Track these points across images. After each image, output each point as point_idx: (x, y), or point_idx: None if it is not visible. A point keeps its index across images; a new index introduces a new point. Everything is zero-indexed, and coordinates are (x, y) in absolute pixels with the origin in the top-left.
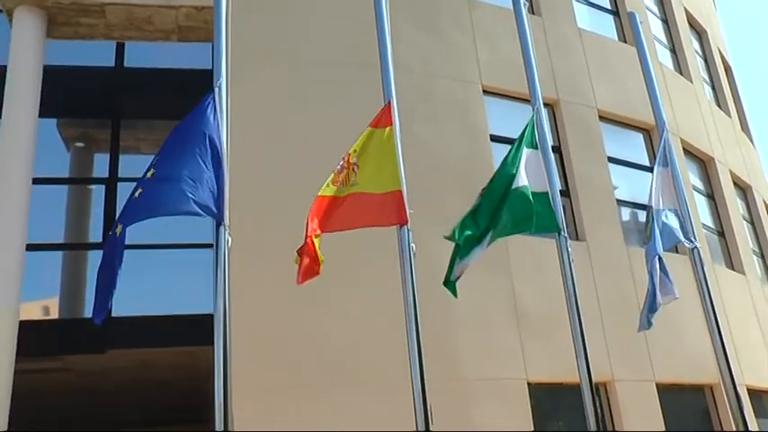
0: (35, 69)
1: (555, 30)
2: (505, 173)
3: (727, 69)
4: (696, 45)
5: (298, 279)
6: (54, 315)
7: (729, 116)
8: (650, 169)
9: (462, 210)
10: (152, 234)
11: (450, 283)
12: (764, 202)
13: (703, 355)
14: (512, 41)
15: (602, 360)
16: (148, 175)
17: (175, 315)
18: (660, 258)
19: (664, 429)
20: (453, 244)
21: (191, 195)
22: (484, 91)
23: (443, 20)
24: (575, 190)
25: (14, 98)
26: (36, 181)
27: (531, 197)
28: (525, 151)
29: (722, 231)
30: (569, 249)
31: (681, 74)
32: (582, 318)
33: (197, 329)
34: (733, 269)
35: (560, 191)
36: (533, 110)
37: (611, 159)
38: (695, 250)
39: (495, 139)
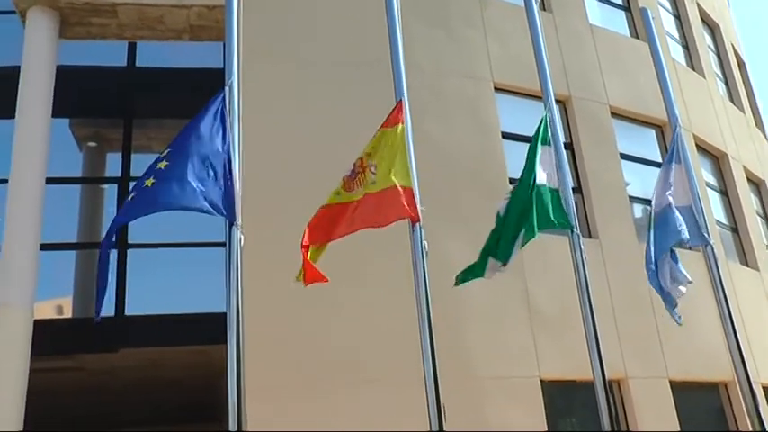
0: (48, 70)
1: (566, 26)
2: (528, 171)
3: (741, 65)
4: (709, 40)
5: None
6: (67, 314)
7: (743, 112)
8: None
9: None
10: (164, 233)
11: (468, 274)
12: None
13: (717, 352)
14: (523, 38)
15: (616, 357)
16: (160, 165)
17: (188, 314)
18: (672, 251)
19: (678, 426)
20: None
21: (202, 194)
22: (495, 88)
23: (454, 17)
24: (587, 187)
25: (28, 98)
26: (49, 181)
27: (549, 194)
28: (540, 148)
29: (736, 227)
30: (582, 246)
31: (693, 69)
32: (595, 315)
33: (209, 328)
34: (747, 265)
35: (572, 188)
36: (545, 107)
37: (624, 156)
38: (709, 247)
39: (506, 136)
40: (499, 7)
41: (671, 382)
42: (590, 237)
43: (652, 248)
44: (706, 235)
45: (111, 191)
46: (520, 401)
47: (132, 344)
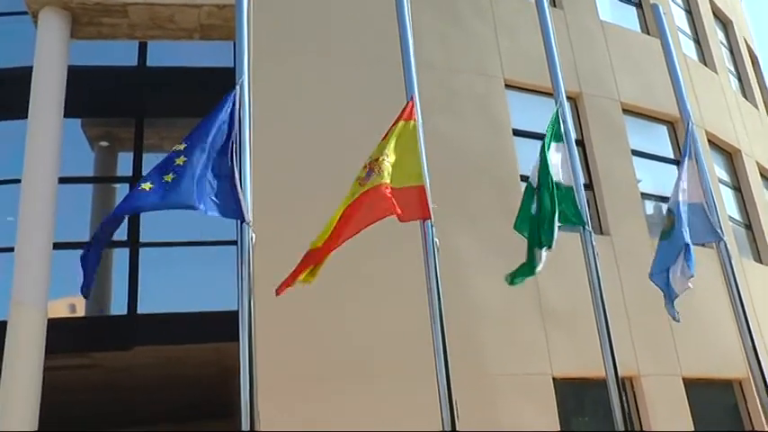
0: (60, 70)
1: (577, 22)
2: (545, 168)
3: (754, 60)
4: (721, 36)
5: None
6: (80, 312)
7: (756, 107)
8: (675, 162)
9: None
10: (176, 231)
11: (521, 273)
12: None
13: (731, 349)
14: (534, 34)
15: (628, 354)
16: (178, 161)
17: (201, 312)
18: (687, 246)
19: (691, 424)
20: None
21: (216, 195)
22: (506, 85)
23: (465, 13)
24: (598, 184)
25: (40, 99)
26: (62, 180)
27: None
28: (552, 145)
29: (749, 224)
30: (594, 243)
31: (705, 65)
32: (607, 312)
33: (222, 326)
34: (761, 262)
35: (584, 185)
36: (556, 103)
37: (635, 152)
38: (722, 243)
39: (517, 133)
40: (510, 4)
41: (684, 379)
42: (602, 234)
43: (674, 247)
44: (719, 231)
45: (122, 190)
46: (532, 399)
47: (145, 342)
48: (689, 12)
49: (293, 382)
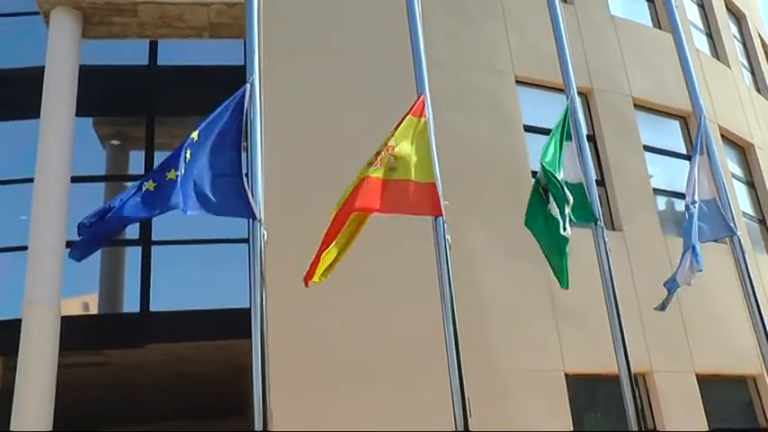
0: (71, 69)
1: (588, 17)
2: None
3: None
4: (734, 29)
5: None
6: (93, 310)
7: None
8: (687, 157)
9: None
10: (188, 229)
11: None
12: None
13: (745, 346)
14: (544, 30)
15: (641, 351)
16: (187, 155)
17: (213, 309)
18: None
19: (705, 421)
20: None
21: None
22: (517, 81)
23: (475, 10)
24: (610, 179)
25: (52, 98)
26: (74, 179)
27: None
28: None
29: (762, 218)
30: (606, 239)
31: (718, 59)
32: (619, 308)
33: (234, 323)
34: None
35: (596, 180)
36: (567, 99)
37: (647, 148)
38: (736, 238)
39: (528, 129)
40: None
41: (697, 375)
42: (614, 229)
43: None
44: (732, 226)
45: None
46: (544, 395)
47: (157, 339)
48: (701, 5)
49: (305, 378)
